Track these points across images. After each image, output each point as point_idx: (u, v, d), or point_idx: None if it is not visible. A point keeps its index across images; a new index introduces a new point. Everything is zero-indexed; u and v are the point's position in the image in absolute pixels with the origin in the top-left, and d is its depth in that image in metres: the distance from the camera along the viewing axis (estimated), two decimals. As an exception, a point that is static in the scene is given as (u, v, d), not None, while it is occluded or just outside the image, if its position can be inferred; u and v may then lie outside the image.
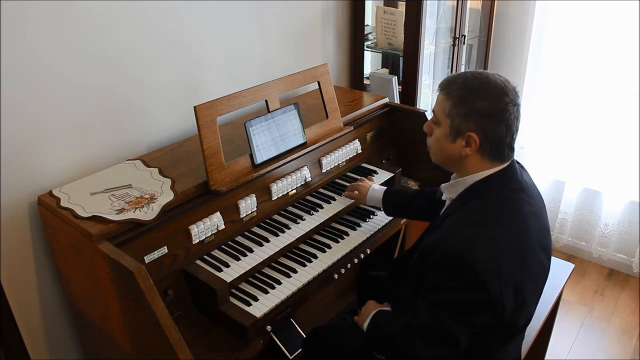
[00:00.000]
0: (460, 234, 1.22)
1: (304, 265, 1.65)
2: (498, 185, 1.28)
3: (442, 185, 1.42)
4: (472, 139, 1.25)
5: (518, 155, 3.09)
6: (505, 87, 1.24)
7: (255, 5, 2.08)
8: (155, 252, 1.46)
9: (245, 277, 1.58)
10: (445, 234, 1.25)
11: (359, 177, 1.96)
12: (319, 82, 1.89)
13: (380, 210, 1.92)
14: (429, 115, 2.11)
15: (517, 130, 1.27)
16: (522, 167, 1.41)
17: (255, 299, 1.51)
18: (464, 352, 1.31)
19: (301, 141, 1.81)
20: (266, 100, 1.73)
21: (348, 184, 1.95)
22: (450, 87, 1.27)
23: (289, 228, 1.73)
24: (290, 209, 1.83)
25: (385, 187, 1.84)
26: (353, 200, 1.90)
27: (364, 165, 2.11)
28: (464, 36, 2.73)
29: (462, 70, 2.87)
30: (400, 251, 2.28)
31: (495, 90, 1.23)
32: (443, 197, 1.45)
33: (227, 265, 1.55)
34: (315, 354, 1.62)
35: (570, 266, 2.03)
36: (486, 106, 1.22)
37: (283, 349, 1.63)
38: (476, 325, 1.22)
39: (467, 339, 1.23)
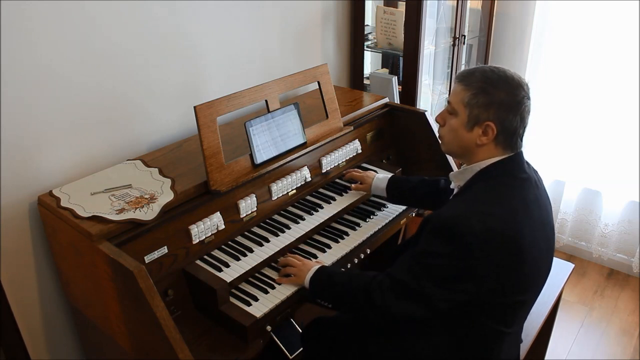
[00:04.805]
0: (458, 209, 1.28)
1: (304, 265, 1.65)
2: (503, 171, 1.33)
3: (451, 173, 1.46)
4: (490, 129, 1.30)
5: (518, 155, 3.09)
6: (521, 81, 1.32)
7: (255, 5, 2.08)
8: (155, 252, 1.46)
9: (245, 277, 1.57)
10: (444, 208, 1.31)
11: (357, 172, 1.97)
12: (319, 82, 1.89)
13: (381, 210, 1.93)
14: (429, 115, 2.13)
15: (528, 122, 1.34)
16: (532, 165, 1.43)
17: (256, 299, 1.51)
18: (460, 347, 1.35)
19: (301, 141, 1.81)
20: (266, 100, 1.73)
21: (348, 184, 1.96)
22: (469, 79, 1.32)
23: (289, 228, 1.73)
24: (290, 209, 1.83)
25: (389, 176, 1.88)
26: (353, 200, 1.90)
27: (364, 165, 2.11)
28: (464, 36, 2.73)
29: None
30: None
31: (513, 83, 1.30)
32: (452, 186, 1.49)
33: (227, 265, 1.55)
34: (315, 344, 1.62)
35: (570, 266, 2.03)
36: (505, 98, 1.28)
37: (283, 348, 1.63)
38: (453, 290, 1.26)
39: (444, 304, 1.28)
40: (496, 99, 1.28)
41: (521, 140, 1.35)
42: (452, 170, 1.45)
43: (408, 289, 1.30)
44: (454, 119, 1.35)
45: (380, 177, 1.89)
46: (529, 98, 1.31)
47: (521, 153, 1.36)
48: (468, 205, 1.29)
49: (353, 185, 1.93)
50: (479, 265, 1.22)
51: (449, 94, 1.39)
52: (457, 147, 1.39)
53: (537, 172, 1.43)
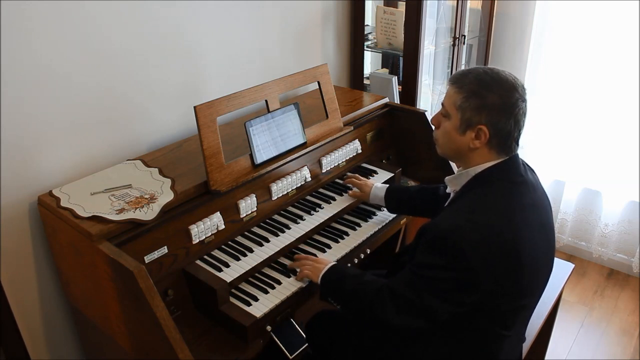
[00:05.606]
0: (454, 218, 1.26)
1: (304, 265, 1.65)
2: (499, 176, 1.31)
3: (446, 178, 1.45)
4: (482, 132, 1.28)
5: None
6: (515, 83, 1.28)
7: (255, 5, 2.08)
8: (155, 252, 1.46)
9: (245, 277, 1.58)
10: (440, 218, 1.30)
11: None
12: (319, 82, 1.89)
13: (381, 210, 1.93)
14: (429, 115, 2.12)
15: (523, 125, 1.31)
16: (529, 166, 1.42)
17: (256, 299, 1.51)
18: (460, 348, 1.35)
19: (301, 141, 1.81)
20: (266, 100, 1.73)
21: (348, 184, 1.95)
22: (462, 81, 1.29)
23: (289, 228, 1.73)
24: (290, 209, 1.83)
25: (387, 185, 1.86)
26: (353, 200, 1.90)
27: (364, 165, 2.12)
28: (464, 36, 2.73)
29: (462, 70, 2.88)
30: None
31: (506, 86, 1.26)
32: (447, 190, 1.48)
33: (227, 265, 1.55)
34: (319, 336, 1.62)
35: (570, 266, 2.03)
36: (498, 101, 1.25)
37: (283, 349, 1.62)
38: (454, 302, 1.25)
39: (444, 315, 1.27)
40: (488, 102, 1.25)
41: (517, 144, 1.32)
42: (453, 171, 1.44)
43: (409, 303, 1.29)
44: (447, 121, 1.34)
45: (379, 186, 1.86)
46: (524, 100, 1.28)
47: (517, 156, 1.34)
48: (464, 213, 1.26)
49: (350, 191, 1.91)
50: (478, 274, 1.21)
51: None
52: (450, 150, 1.37)
53: (534, 173, 1.42)
